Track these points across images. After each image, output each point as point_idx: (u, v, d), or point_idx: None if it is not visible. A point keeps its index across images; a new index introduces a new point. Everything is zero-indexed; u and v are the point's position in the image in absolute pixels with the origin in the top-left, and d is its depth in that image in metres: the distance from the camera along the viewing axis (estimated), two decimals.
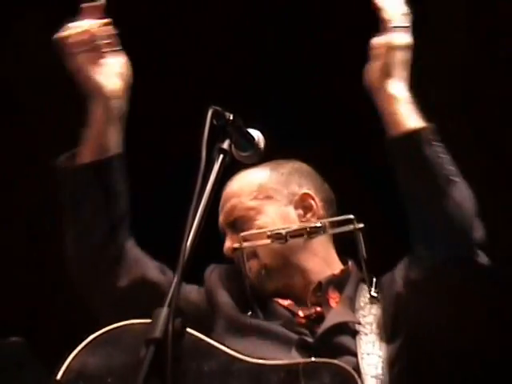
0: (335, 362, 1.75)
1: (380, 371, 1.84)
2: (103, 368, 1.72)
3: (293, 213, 2.07)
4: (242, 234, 2.01)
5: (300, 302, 2.02)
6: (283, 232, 1.99)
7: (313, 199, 2.09)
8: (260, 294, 2.02)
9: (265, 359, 1.79)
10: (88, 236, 1.91)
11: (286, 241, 2.01)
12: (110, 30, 1.82)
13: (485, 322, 2.43)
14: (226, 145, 1.58)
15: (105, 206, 1.90)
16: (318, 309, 2.00)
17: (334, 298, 2.02)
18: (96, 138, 1.88)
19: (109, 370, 1.73)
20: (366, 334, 1.90)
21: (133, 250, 1.98)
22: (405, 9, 1.87)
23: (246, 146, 1.69)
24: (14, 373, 1.93)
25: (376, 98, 1.87)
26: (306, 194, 2.09)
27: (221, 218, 2.07)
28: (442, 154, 1.85)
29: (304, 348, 1.89)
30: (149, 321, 1.47)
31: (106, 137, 1.88)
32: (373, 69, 1.88)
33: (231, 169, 1.69)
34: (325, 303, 2.00)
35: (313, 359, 1.81)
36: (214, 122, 1.55)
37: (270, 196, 2.07)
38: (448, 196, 1.83)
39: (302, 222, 2.04)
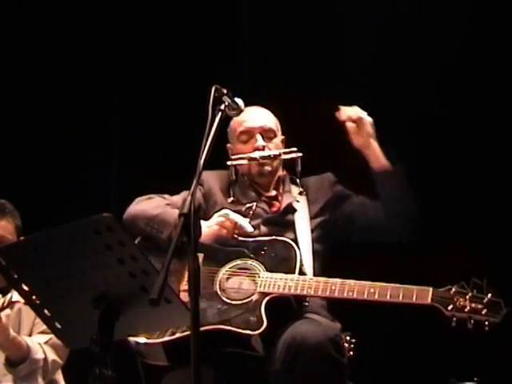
0: (282, 238, 3.17)
1: (308, 234, 3.13)
2: None
3: (281, 145, 3.48)
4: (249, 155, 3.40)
5: (265, 188, 3.42)
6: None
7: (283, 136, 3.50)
8: (240, 182, 3.40)
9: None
10: None
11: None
12: None
13: None
14: (222, 107, 2.74)
15: None
16: (275, 193, 3.44)
17: (281, 187, 3.46)
18: None
19: None
20: (300, 212, 3.17)
21: None
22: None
23: (233, 108, 2.83)
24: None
25: (365, 152, 3.28)
26: (283, 139, 3.52)
27: (253, 124, 3.41)
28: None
29: (268, 222, 3.26)
30: None
31: None
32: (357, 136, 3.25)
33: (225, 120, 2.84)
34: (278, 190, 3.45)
35: (267, 238, 3.23)
36: (216, 94, 2.71)
37: (278, 128, 3.48)
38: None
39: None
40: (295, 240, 3.22)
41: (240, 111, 2.88)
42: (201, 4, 5.06)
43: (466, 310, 2.90)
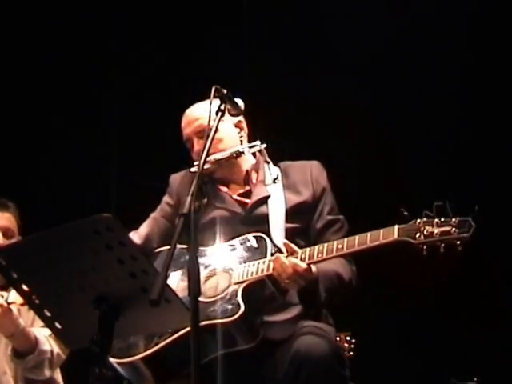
0: (259, 234, 3.14)
1: (282, 222, 3.11)
2: None
3: (234, 130, 3.33)
4: (214, 156, 3.23)
5: (235, 184, 3.33)
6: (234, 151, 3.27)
7: (244, 123, 3.37)
8: (210, 182, 3.31)
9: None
10: None
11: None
12: None
13: None
14: (222, 107, 2.77)
15: None
16: (247, 187, 3.31)
17: (254, 177, 3.34)
18: None
19: None
20: (272, 202, 3.18)
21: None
22: None
23: (233, 108, 2.85)
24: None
25: None
26: (240, 121, 3.35)
27: (188, 131, 3.30)
28: None
29: (242, 221, 3.23)
30: None
31: None
32: None
33: None
34: (251, 182, 3.33)
35: (239, 237, 3.18)
36: (216, 95, 2.72)
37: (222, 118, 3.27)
38: None
39: (240, 137, 3.33)
40: (268, 231, 3.19)
41: (240, 111, 2.90)
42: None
43: (434, 235, 2.81)
